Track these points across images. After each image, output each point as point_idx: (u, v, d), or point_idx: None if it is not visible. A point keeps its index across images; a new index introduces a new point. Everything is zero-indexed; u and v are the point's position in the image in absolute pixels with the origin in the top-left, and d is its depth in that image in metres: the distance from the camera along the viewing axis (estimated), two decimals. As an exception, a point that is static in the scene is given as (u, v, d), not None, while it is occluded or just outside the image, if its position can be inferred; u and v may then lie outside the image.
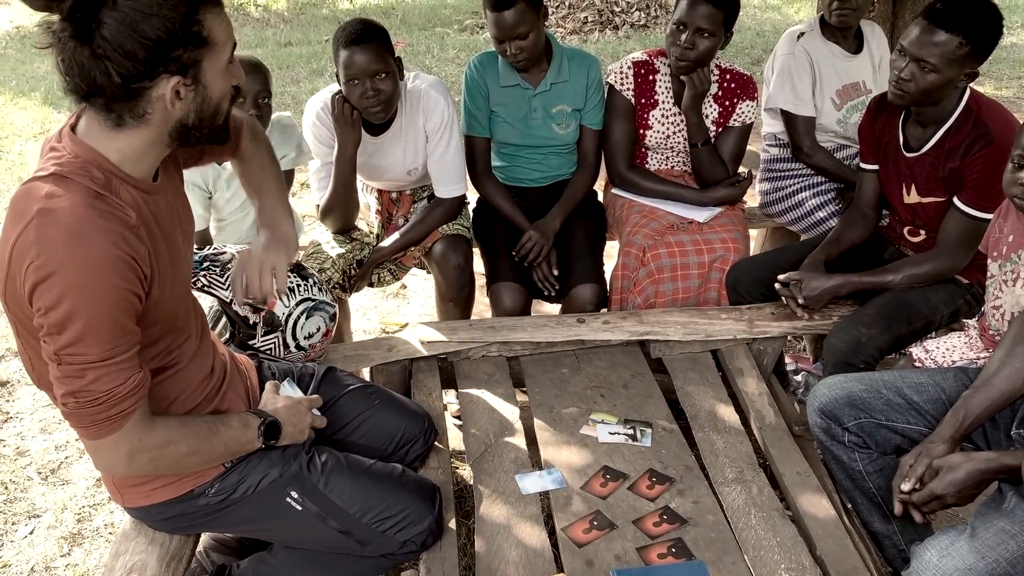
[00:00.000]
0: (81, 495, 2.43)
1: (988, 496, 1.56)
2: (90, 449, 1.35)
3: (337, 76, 2.31)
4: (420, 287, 3.66)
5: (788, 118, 2.78)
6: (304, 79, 6.97)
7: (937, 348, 1.99)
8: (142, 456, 1.36)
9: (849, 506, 1.91)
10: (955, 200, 2.10)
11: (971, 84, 2.08)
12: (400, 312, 3.50)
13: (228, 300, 2.02)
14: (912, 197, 2.22)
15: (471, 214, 2.79)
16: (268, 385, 1.72)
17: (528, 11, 2.39)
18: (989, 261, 1.92)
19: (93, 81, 1.22)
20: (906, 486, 1.57)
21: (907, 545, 1.83)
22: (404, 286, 3.64)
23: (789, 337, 2.90)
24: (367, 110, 2.28)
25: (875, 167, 2.32)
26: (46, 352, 1.26)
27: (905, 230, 2.31)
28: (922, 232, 2.27)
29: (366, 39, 2.21)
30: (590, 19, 8.51)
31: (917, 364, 2.00)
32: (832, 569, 1.67)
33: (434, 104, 2.43)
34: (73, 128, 1.31)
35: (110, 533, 2.28)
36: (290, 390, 1.74)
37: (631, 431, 2.04)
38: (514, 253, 2.56)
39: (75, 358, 1.24)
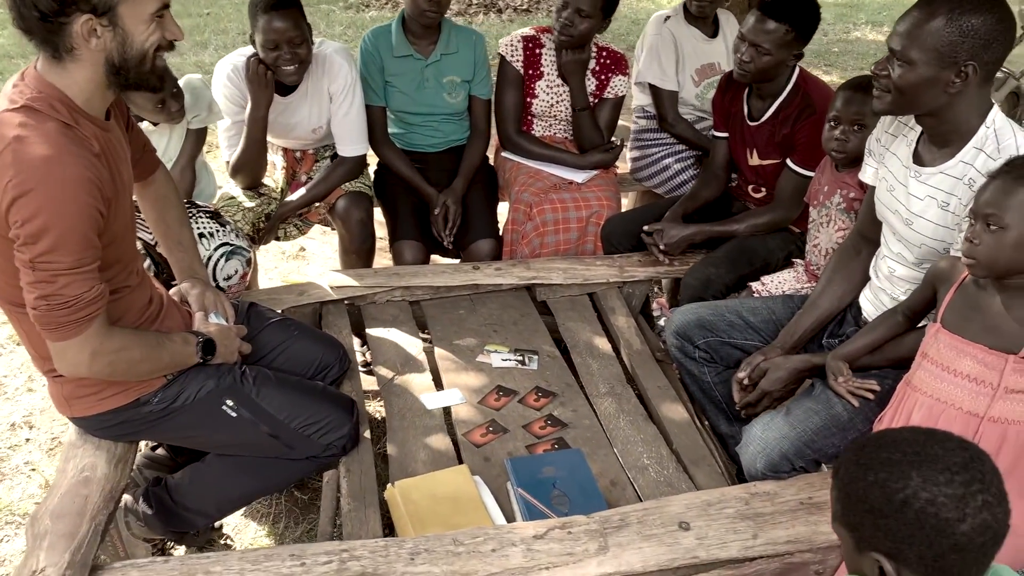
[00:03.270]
0: (-4, 438, 2.53)
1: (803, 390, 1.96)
2: (56, 351, 1.53)
3: (252, 39, 2.49)
4: (319, 249, 3.85)
5: (655, 92, 3.15)
6: (188, 51, 6.90)
7: (771, 281, 2.40)
8: (102, 359, 1.55)
9: (703, 420, 2.27)
10: (788, 161, 2.50)
11: (801, 64, 2.50)
12: (301, 272, 3.68)
13: (152, 243, 2.19)
14: (754, 160, 2.62)
15: (371, 176, 3.02)
16: (198, 315, 1.92)
17: None
18: (810, 208, 2.33)
19: (22, 16, 1.43)
20: (741, 374, 1.96)
21: (746, 442, 2.22)
22: (303, 248, 3.82)
23: (656, 289, 3.30)
24: (280, 70, 2.48)
25: (725, 135, 2.71)
26: (20, 260, 1.43)
27: (749, 188, 2.71)
28: (763, 190, 2.67)
29: (286, 5, 2.41)
30: (475, 2, 8.77)
31: (755, 294, 2.40)
32: (685, 458, 2.02)
33: (338, 68, 2.65)
34: (36, 67, 1.49)
35: (32, 470, 2.40)
36: (218, 319, 1.95)
37: (520, 358, 2.34)
38: (444, 232, 2.80)
39: (49, 265, 1.43)
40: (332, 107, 2.71)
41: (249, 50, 2.57)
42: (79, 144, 1.45)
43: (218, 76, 2.62)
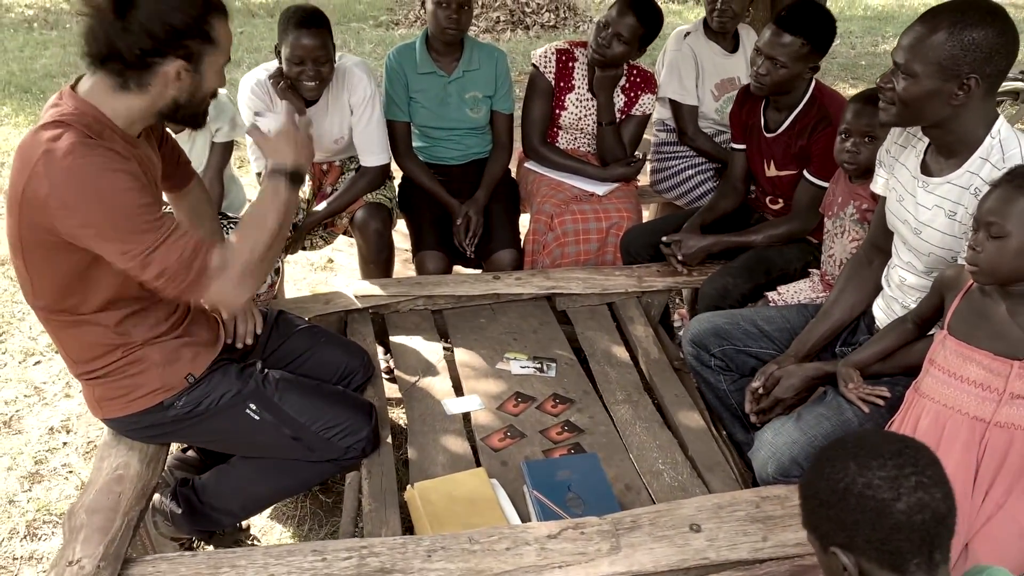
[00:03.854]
0: (36, 442, 2.62)
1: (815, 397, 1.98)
2: (212, 302, 1.73)
3: (277, 51, 2.59)
4: (346, 261, 3.94)
5: (675, 106, 3.20)
6: (222, 69, 7.07)
7: (787, 290, 2.43)
8: (244, 275, 1.62)
9: (720, 428, 2.30)
10: (805, 172, 2.53)
11: (828, 77, 2.53)
12: (328, 283, 3.77)
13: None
14: (772, 171, 2.65)
15: (396, 188, 3.10)
16: (250, 129, 1.82)
17: None
18: (825, 219, 2.36)
19: (117, 49, 1.52)
20: (755, 383, 1.99)
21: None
22: (331, 260, 3.92)
23: (677, 300, 3.34)
24: (302, 84, 2.58)
25: (743, 147, 2.75)
26: (111, 260, 1.55)
27: (767, 199, 2.74)
28: (780, 201, 2.70)
29: (315, 24, 2.51)
30: (502, 19, 8.89)
31: (771, 303, 2.43)
32: (700, 464, 2.06)
33: (357, 81, 2.74)
34: (74, 88, 1.58)
35: (69, 472, 2.50)
36: (270, 122, 1.80)
37: (539, 365, 2.39)
38: (466, 242, 2.88)
39: (133, 255, 1.52)
40: (352, 119, 2.79)
41: (272, 64, 2.67)
42: (104, 150, 1.52)
43: (243, 90, 2.72)
